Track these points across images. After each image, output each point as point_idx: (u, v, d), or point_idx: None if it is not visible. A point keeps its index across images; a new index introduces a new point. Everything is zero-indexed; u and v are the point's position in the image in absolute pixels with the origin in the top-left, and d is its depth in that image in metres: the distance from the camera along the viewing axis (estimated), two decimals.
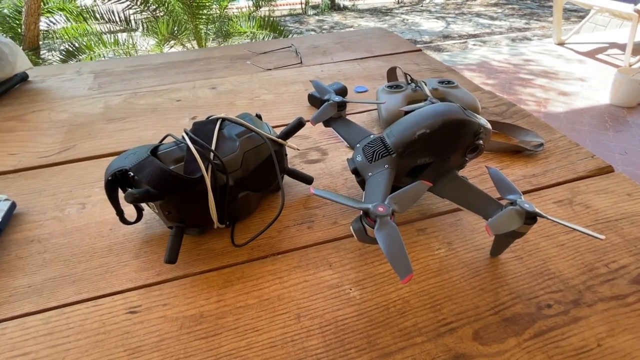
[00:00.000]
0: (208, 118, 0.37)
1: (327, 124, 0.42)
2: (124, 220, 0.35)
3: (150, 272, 0.34)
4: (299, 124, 0.37)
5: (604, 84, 2.29)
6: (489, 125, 0.34)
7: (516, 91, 2.37)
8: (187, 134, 0.33)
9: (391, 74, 0.61)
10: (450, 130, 0.32)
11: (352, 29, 5.10)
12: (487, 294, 0.31)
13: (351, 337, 0.28)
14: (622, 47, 2.60)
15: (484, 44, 3.81)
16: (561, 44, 3.04)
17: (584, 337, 0.27)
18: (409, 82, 0.54)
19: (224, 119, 0.36)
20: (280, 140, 0.37)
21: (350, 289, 0.31)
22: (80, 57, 3.27)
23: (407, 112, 0.36)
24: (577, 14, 4.42)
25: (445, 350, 0.27)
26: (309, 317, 0.29)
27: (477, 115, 0.34)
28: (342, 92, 0.61)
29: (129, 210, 0.38)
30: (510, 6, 5.55)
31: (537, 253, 0.34)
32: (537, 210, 0.28)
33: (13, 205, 0.40)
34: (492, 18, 5.01)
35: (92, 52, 3.28)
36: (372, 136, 0.37)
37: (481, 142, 0.34)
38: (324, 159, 0.48)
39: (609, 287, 0.31)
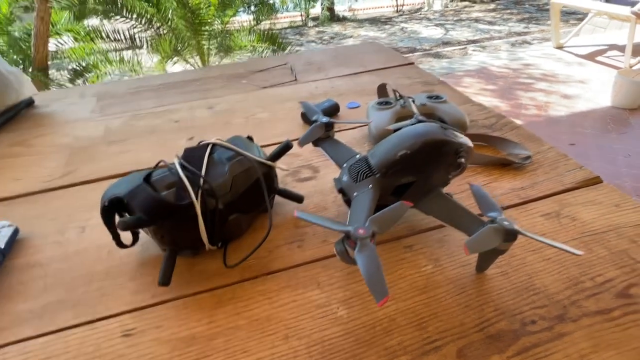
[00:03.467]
0: (199, 143, 0.39)
1: (315, 144, 0.43)
2: (121, 244, 0.37)
3: (145, 294, 0.35)
4: (286, 147, 0.39)
5: (605, 86, 2.28)
6: (470, 143, 0.35)
7: (517, 96, 2.37)
8: (178, 160, 0.35)
9: (381, 90, 0.62)
10: (431, 150, 0.33)
11: (352, 38, 5.17)
12: (472, 311, 0.31)
13: (337, 357, 0.29)
14: (622, 49, 2.60)
15: (483, 49, 3.83)
16: (560, 47, 3.05)
17: (568, 353, 0.28)
18: (398, 98, 0.55)
19: (214, 144, 0.38)
20: (269, 162, 0.39)
21: (338, 308, 0.32)
22: (87, 75, 3.36)
23: (395, 130, 0.37)
24: (575, 16, 4.43)
25: None
26: (297, 337, 0.30)
27: (458, 134, 0.35)
28: (334, 109, 0.63)
29: (126, 234, 0.39)
30: (508, 11, 5.59)
31: (523, 268, 0.35)
32: (516, 227, 0.29)
33: (16, 231, 0.41)
34: (490, 23, 5.04)
35: (98, 71, 3.38)
36: (357, 156, 0.38)
37: (463, 160, 0.34)
38: (315, 177, 0.49)
39: (594, 302, 0.31)
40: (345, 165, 0.38)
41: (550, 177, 0.45)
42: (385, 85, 0.61)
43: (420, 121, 0.42)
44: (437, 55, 3.84)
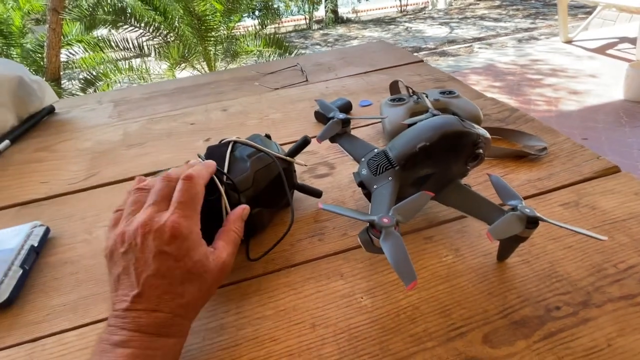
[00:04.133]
0: (221, 141, 0.40)
1: (332, 140, 0.44)
2: None
3: None
4: (304, 142, 0.40)
5: (616, 79, 2.24)
6: (487, 135, 0.36)
7: (525, 92, 2.35)
8: (200, 158, 0.36)
9: (393, 87, 0.63)
10: (449, 142, 0.33)
11: (356, 40, 5.18)
12: (495, 298, 0.32)
13: (364, 344, 0.29)
14: (633, 41, 2.56)
15: (490, 46, 3.81)
16: (569, 42, 3.01)
17: (594, 337, 0.28)
18: (411, 94, 0.55)
19: (235, 142, 0.39)
20: (288, 158, 0.40)
21: (362, 298, 0.33)
22: (98, 84, 3.44)
23: (409, 125, 0.38)
24: (583, 10, 4.37)
25: (455, 354, 0.28)
26: (323, 326, 0.31)
27: (476, 125, 0.35)
28: (347, 107, 0.63)
29: None
30: (514, 7, 5.54)
31: (544, 256, 0.35)
32: (537, 214, 0.29)
33: (47, 230, 0.43)
34: (496, 20, 5.00)
35: (108, 79, 3.45)
36: (375, 150, 0.39)
37: (481, 151, 0.35)
38: (332, 173, 0.50)
39: (618, 288, 0.31)
40: (363, 159, 0.39)
41: (567, 167, 0.46)
42: (398, 82, 0.62)
43: (434, 115, 0.43)
44: (443, 54, 3.83)
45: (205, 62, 3.53)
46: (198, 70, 3.56)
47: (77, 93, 3.44)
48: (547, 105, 2.14)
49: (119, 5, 3.24)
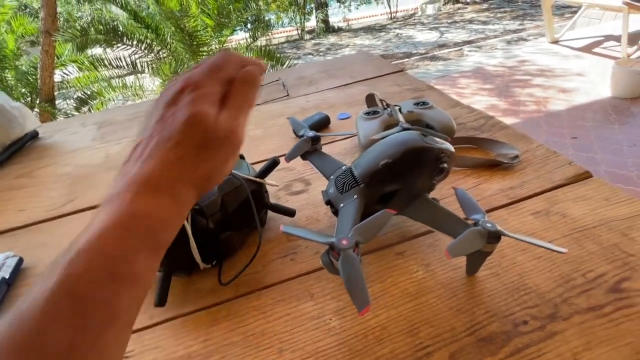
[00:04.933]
0: None
1: (304, 157, 0.44)
2: None
3: (143, 315, 0.35)
4: (274, 163, 0.40)
5: (603, 77, 2.26)
6: (452, 149, 0.36)
7: (514, 93, 2.37)
8: None
9: (370, 99, 0.63)
10: (412, 158, 0.34)
11: (348, 48, 5.24)
12: (463, 315, 0.31)
13: None
14: (619, 39, 2.59)
15: (479, 49, 3.86)
16: (555, 42, 3.05)
17: (560, 352, 0.28)
18: (385, 107, 0.56)
19: None
20: (257, 179, 0.40)
21: (331, 319, 0.33)
22: (92, 102, 3.46)
23: (382, 139, 0.38)
24: (570, 9, 4.43)
25: None
26: (291, 350, 0.30)
27: (439, 140, 0.36)
28: (325, 121, 0.64)
29: None
30: (502, 9, 5.62)
31: (514, 268, 0.35)
32: (499, 229, 0.29)
33: (20, 261, 0.43)
34: (484, 23, 5.07)
35: (102, 97, 3.48)
36: (343, 167, 0.39)
37: (445, 165, 0.35)
38: (307, 190, 0.50)
39: (586, 298, 0.31)
40: (332, 176, 0.39)
41: (539, 175, 0.46)
42: (374, 95, 0.62)
43: (404, 129, 0.43)
44: (434, 58, 3.87)
45: None
46: None
47: (72, 112, 3.46)
48: (536, 106, 2.16)
49: (112, 24, 3.28)
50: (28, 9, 5.87)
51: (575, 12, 3.12)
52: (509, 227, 0.39)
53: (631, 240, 0.35)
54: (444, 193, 0.45)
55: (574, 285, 0.32)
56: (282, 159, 0.43)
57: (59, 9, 3.35)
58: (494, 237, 0.29)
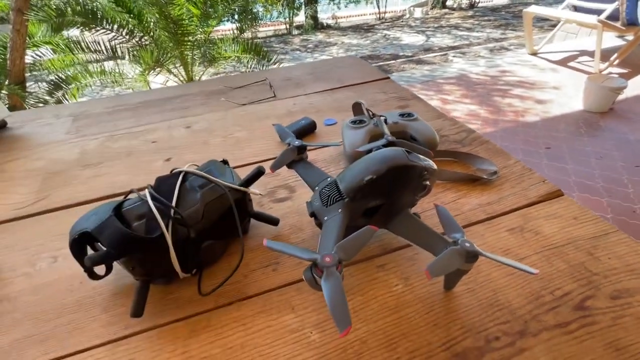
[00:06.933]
0: (172, 171, 0.39)
1: (289, 166, 0.44)
2: (93, 276, 0.36)
3: (118, 326, 0.34)
4: (258, 173, 0.40)
5: (577, 90, 2.37)
6: (434, 166, 0.37)
7: (495, 102, 2.45)
8: (149, 190, 0.35)
9: (356, 107, 0.64)
10: (396, 175, 0.34)
11: (335, 46, 5.23)
12: (439, 330, 0.32)
13: None
14: (593, 54, 2.72)
15: (463, 55, 3.95)
16: (534, 53, 3.17)
17: None
18: (371, 117, 0.56)
19: (186, 172, 0.38)
20: (242, 188, 0.39)
21: (311, 333, 0.33)
22: (68, 87, 3.29)
23: (367, 151, 0.38)
24: (550, 22, 4.61)
25: None
26: None
27: (422, 157, 0.36)
28: (311, 127, 0.64)
29: None
30: (485, 17, 5.78)
31: (489, 284, 0.36)
32: (476, 249, 0.30)
33: None
34: (469, 30, 5.19)
35: (78, 83, 3.32)
36: (328, 179, 0.39)
37: (427, 182, 0.36)
38: (291, 197, 0.49)
39: (553, 316, 0.33)
40: (317, 188, 0.39)
41: (515, 191, 0.48)
42: (361, 103, 0.63)
43: (389, 142, 0.44)
44: (419, 62, 3.93)
45: (182, 67, 3.46)
46: (174, 75, 3.48)
47: (44, 97, 3.28)
48: (515, 116, 2.24)
49: (90, 6, 3.12)
50: None
51: (554, 25, 3.25)
52: (485, 244, 0.40)
53: (596, 259, 0.38)
54: (424, 207, 0.46)
55: (543, 302, 0.34)
56: (267, 167, 0.43)
57: None
58: (472, 256, 0.30)
